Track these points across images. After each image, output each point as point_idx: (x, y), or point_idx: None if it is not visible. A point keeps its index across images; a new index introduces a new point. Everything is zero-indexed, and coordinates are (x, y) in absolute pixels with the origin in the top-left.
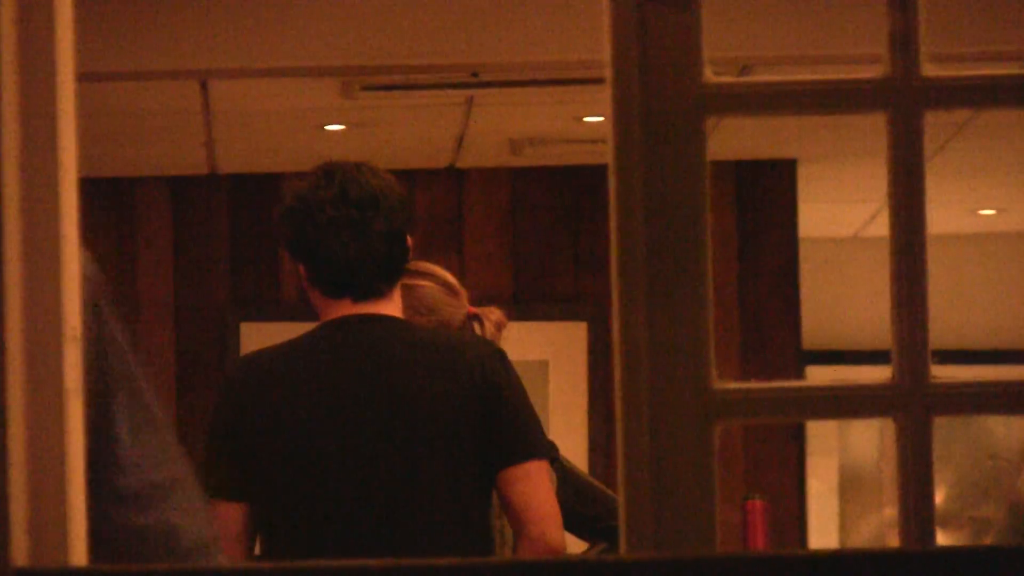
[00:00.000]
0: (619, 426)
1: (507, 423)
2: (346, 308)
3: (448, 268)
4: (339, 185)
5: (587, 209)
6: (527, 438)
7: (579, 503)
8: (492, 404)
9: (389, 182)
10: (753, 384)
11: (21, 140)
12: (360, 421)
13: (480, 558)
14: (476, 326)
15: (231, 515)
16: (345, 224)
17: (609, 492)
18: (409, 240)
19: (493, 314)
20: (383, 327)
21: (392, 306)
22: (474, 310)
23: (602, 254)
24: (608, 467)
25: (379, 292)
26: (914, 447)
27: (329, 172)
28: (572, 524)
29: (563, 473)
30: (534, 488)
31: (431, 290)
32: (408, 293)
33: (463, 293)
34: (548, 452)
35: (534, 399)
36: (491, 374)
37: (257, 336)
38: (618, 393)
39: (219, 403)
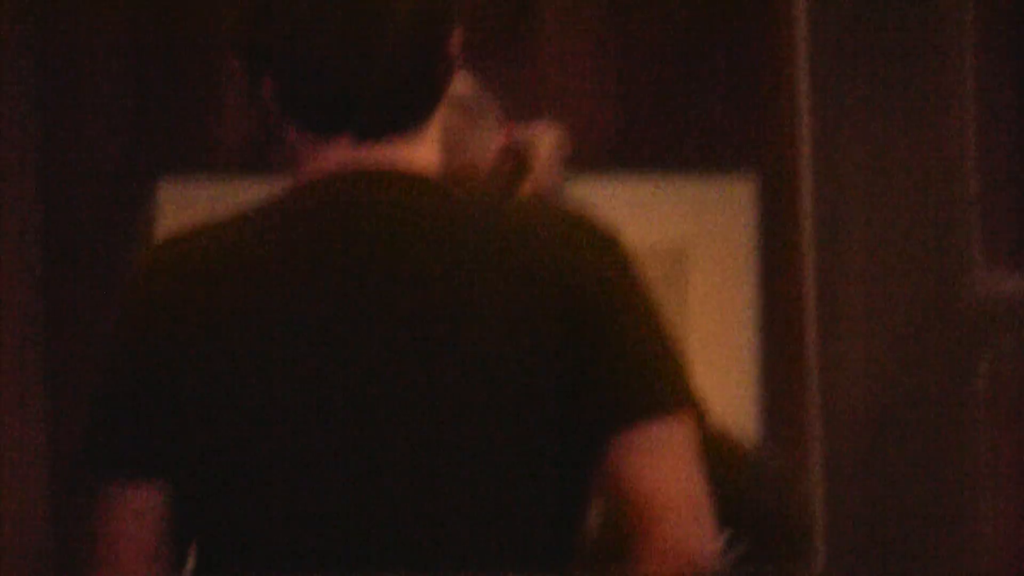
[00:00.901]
0: (811, 355)
1: (618, 357)
2: (342, 154)
3: (510, 83)
4: None
5: None
6: (653, 381)
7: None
8: (592, 326)
9: None
10: None
11: None
12: (363, 352)
13: None
14: (512, 166)
15: (145, 500)
16: (341, 3)
17: (765, 456)
18: (457, 34)
19: (545, 136)
20: (405, 191)
21: (423, 152)
22: (515, 133)
23: (776, 58)
24: (789, 425)
25: (401, 125)
26: None
27: None
28: None
29: None
30: (662, 462)
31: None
32: None
33: (491, 108)
34: (691, 402)
35: (665, 313)
36: (592, 275)
37: (185, 202)
38: (809, 299)
39: (125, 321)
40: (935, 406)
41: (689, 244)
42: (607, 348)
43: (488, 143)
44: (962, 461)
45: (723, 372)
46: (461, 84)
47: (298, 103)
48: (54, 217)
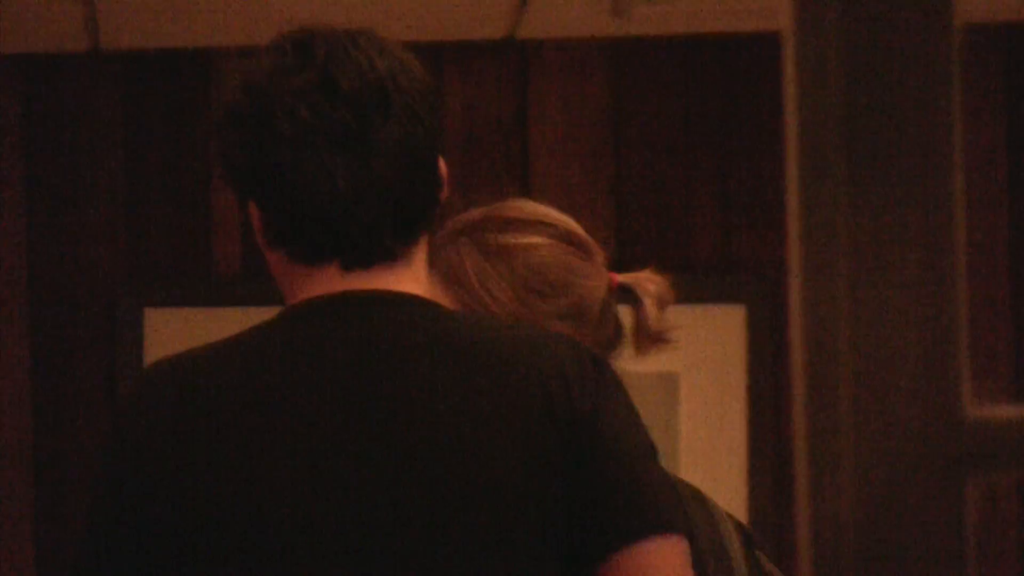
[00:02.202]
0: (801, 480)
1: (606, 479)
2: (331, 282)
3: None
4: (321, 66)
5: (743, 112)
6: (643, 501)
7: None
8: (580, 447)
9: (407, 64)
10: None
11: None
12: (353, 478)
13: None
14: (631, 308)
15: None
16: (331, 134)
17: None
18: (442, 164)
19: (651, 283)
20: (394, 315)
21: (411, 277)
22: (621, 278)
23: (769, 192)
24: (781, 547)
25: (388, 254)
26: None
27: (303, 45)
28: None
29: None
30: None
31: (552, 251)
32: (510, 259)
33: (599, 251)
34: (682, 525)
35: (656, 432)
36: (579, 395)
37: (172, 331)
38: (799, 425)
39: (113, 450)
40: (923, 525)
41: (682, 369)
42: (604, 469)
43: (600, 281)
44: None
45: (713, 491)
46: (574, 224)
47: (285, 233)
48: (42, 344)
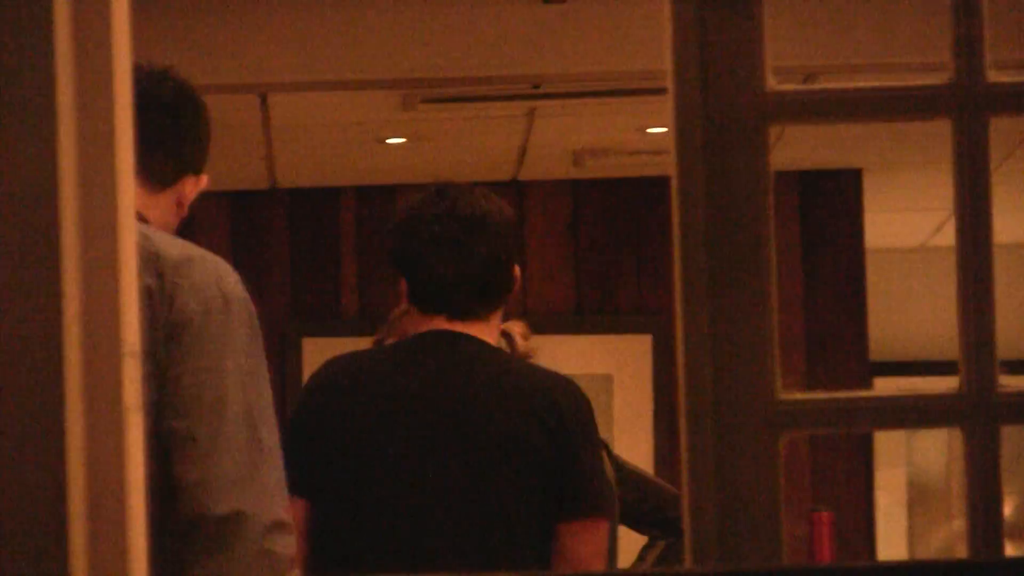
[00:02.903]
0: (683, 438)
1: (575, 473)
2: (440, 325)
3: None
4: (449, 203)
5: (650, 221)
6: (591, 491)
7: (637, 497)
8: (562, 450)
9: (499, 207)
10: (818, 395)
11: (78, 155)
12: (423, 436)
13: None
14: (505, 343)
15: (294, 509)
16: (448, 242)
17: (667, 485)
18: (516, 269)
19: (517, 327)
20: (467, 347)
21: (485, 329)
22: (501, 327)
23: (666, 266)
24: (674, 481)
25: (474, 313)
26: (982, 457)
27: (441, 190)
28: (630, 518)
29: (618, 467)
30: (588, 549)
31: None
32: None
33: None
34: (609, 511)
35: (599, 413)
36: (565, 406)
37: (319, 351)
38: (682, 405)
39: (300, 401)
40: (756, 462)
41: (615, 373)
42: (570, 465)
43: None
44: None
45: (633, 446)
46: None
47: (419, 296)
48: None
